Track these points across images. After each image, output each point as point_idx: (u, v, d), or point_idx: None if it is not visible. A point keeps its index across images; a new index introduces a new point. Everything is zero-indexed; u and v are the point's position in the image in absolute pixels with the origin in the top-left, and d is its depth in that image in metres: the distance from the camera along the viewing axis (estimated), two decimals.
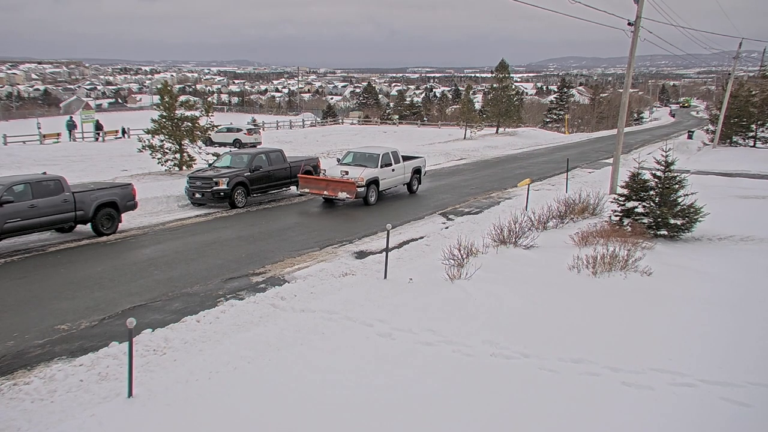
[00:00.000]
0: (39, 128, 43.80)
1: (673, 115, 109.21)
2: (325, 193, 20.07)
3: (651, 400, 7.00)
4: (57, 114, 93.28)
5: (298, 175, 21.16)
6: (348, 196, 19.51)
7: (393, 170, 21.83)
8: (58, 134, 42.23)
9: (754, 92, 44.69)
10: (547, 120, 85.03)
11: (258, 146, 37.93)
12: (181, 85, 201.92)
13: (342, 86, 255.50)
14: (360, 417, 6.65)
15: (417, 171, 23.79)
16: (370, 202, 20.52)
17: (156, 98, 29.29)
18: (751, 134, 44.16)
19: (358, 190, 19.58)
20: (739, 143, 44.58)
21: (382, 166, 21.10)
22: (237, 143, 40.39)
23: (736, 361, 7.99)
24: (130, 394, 7.08)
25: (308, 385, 7.36)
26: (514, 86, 62.95)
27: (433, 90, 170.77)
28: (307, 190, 20.47)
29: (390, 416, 6.66)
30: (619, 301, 10.26)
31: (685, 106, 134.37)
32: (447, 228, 17.25)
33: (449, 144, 45.81)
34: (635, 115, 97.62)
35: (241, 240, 15.67)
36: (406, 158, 23.43)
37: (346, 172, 20.14)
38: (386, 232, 12.44)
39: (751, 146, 43.54)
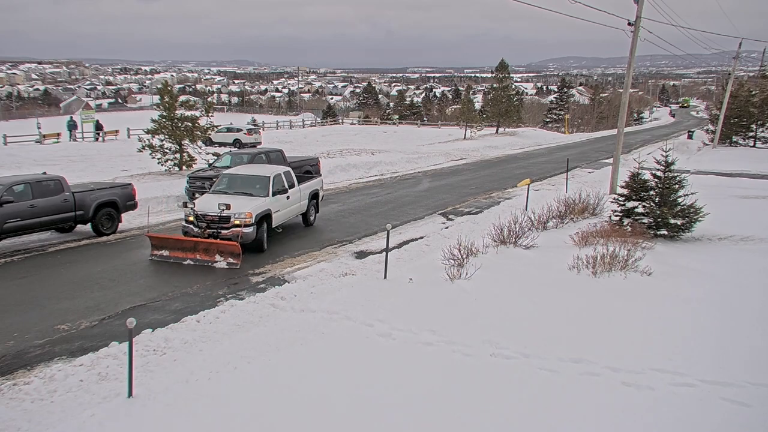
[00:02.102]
0: (39, 128, 43.79)
1: (673, 115, 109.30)
2: (197, 257, 13.43)
3: (651, 400, 7.00)
4: (57, 114, 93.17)
5: (146, 233, 14.14)
6: (233, 261, 13.24)
7: (288, 198, 15.82)
8: (58, 134, 42.21)
9: (754, 92, 44.73)
10: (547, 120, 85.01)
11: (258, 146, 37.93)
12: (181, 85, 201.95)
13: (342, 86, 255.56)
14: (360, 417, 6.65)
15: (314, 196, 17.92)
16: (264, 248, 14.48)
17: (156, 98, 29.30)
18: (751, 134, 44.18)
19: (245, 231, 13.70)
20: (739, 143, 44.61)
21: (274, 194, 15.08)
22: (237, 143, 40.38)
23: (735, 361, 7.98)
24: (130, 394, 7.08)
25: (308, 385, 7.36)
26: (514, 86, 63.04)
27: (433, 90, 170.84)
28: (166, 253, 13.66)
29: (390, 416, 6.66)
30: (619, 301, 10.25)
31: (684, 106, 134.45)
32: (447, 228, 17.25)
33: (449, 144, 45.81)
34: (635, 115, 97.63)
35: None
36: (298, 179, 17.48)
37: (227, 206, 13.76)
38: (386, 232, 12.44)
39: (751, 146, 43.58)
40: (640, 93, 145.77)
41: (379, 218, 18.50)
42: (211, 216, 13.91)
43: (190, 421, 6.61)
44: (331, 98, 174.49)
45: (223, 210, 13.71)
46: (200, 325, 9.54)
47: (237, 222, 13.70)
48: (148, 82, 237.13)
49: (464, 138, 50.24)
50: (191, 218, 14.05)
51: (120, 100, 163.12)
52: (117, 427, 6.49)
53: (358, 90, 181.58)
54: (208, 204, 14.17)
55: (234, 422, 6.57)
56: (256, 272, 12.80)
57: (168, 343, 8.75)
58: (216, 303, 10.78)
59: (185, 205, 14.18)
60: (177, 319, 9.84)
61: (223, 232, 13.75)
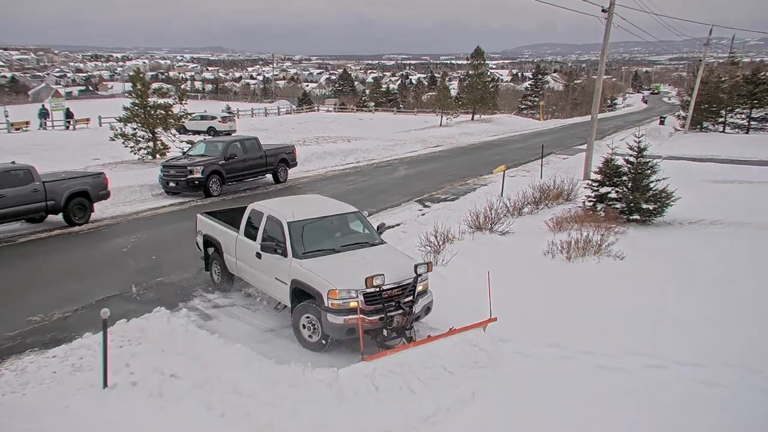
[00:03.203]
0: (6, 116, 42.81)
1: (646, 102, 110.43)
2: None
3: (624, 382, 7.14)
4: (25, 102, 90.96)
5: (365, 357, 7.24)
6: None
7: None
8: (27, 122, 41.32)
9: (723, 78, 45.46)
10: (522, 107, 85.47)
11: (233, 134, 37.58)
12: (153, 73, 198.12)
13: (317, 73, 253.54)
14: None
15: None
16: None
17: (128, 86, 28.73)
18: (721, 120, 44.97)
19: (430, 300, 8.99)
20: (709, 129, 45.37)
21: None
22: (211, 131, 39.95)
23: (708, 343, 8.18)
24: (105, 384, 7.02)
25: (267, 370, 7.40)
26: (489, 73, 63.17)
27: (409, 77, 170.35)
28: None
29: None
30: (592, 285, 10.41)
31: (655, 92, 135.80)
32: (423, 215, 17.29)
33: (425, 131, 45.83)
34: (609, 101, 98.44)
35: None
36: None
37: (428, 265, 8.66)
38: None
39: (720, 131, 44.34)
40: (613, 79, 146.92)
41: (355, 206, 18.41)
42: (392, 289, 8.34)
43: (166, 410, 6.59)
44: (307, 85, 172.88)
45: (424, 271, 8.53)
46: (173, 318, 9.46)
47: (420, 288, 8.76)
48: (119, 69, 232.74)
49: (440, 125, 50.29)
50: (368, 310, 8.06)
51: (91, 88, 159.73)
52: (92, 418, 6.44)
53: (333, 77, 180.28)
54: (390, 269, 8.37)
55: (211, 411, 6.57)
56: None
57: (144, 333, 8.66)
58: (192, 294, 10.72)
59: (370, 282, 7.88)
60: (152, 309, 9.74)
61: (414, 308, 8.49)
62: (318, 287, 8.16)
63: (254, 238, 9.55)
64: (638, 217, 15.01)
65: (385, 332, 7.99)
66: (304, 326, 8.47)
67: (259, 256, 9.31)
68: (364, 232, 9.95)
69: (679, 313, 9.27)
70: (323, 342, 8.31)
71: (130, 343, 8.33)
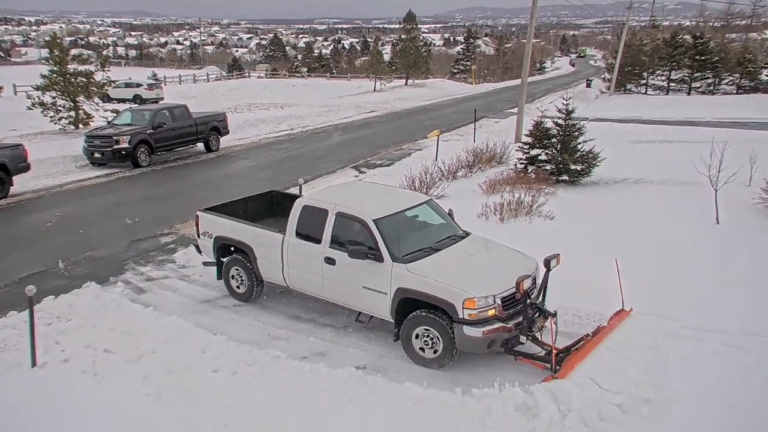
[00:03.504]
0: None
1: (573, 65, 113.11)
2: None
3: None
4: None
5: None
6: None
7: None
8: None
9: (645, 41, 47.04)
10: (455, 71, 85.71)
11: (160, 102, 36.25)
12: (72, 38, 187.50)
13: (247, 38, 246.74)
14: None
15: None
16: None
17: (44, 52, 27.12)
18: (643, 82, 46.65)
19: None
20: (632, 90, 47.00)
21: None
22: (137, 99, 38.41)
23: (637, 295, 8.60)
24: (33, 363, 6.79)
25: (204, 342, 7.37)
26: (421, 37, 63.06)
27: (342, 42, 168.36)
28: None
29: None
30: (524, 245, 10.71)
31: (581, 56, 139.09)
32: (359, 181, 17.30)
33: (359, 96, 45.53)
34: (538, 65, 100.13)
35: (147, 200, 15.09)
36: None
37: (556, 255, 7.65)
38: (298, 186, 12.35)
39: (642, 93, 46.02)
40: (542, 43, 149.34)
41: (290, 173, 18.26)
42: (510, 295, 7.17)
43: (101, 386, 6.46)
44: (237, 51, 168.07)
45: (556, 265, 7.61)
46: (104, 293, 9.21)
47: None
48: (33, 34, 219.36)
49: (374, 90, 50.07)
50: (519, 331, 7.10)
51: (2, 54, 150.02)
52: (22, 398, 6.24)
53: (264, 42, 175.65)
54: (516, 271, 7.27)
55: (145, 386, 6.48)
56: (164, 233, 12.43)
57: (73, 309, 8.40)
58: (123, 268, 10.44)
59: (521, 285, 6.96)
60: (81, 284, 9.43)
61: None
62: (447, 296, 6.87)
63: (316, 241, 7.96)
64: (567, 177, 15.50)
65: (523, 339, 7.03)
66: (416, 336, 7.20)
67: (330, 261, 7.77)
68: (444, 222, 8.62)
69: (611, 268, 9.68)
70: (447, 358, 7.10)
71: (59, 320, 8.07)
